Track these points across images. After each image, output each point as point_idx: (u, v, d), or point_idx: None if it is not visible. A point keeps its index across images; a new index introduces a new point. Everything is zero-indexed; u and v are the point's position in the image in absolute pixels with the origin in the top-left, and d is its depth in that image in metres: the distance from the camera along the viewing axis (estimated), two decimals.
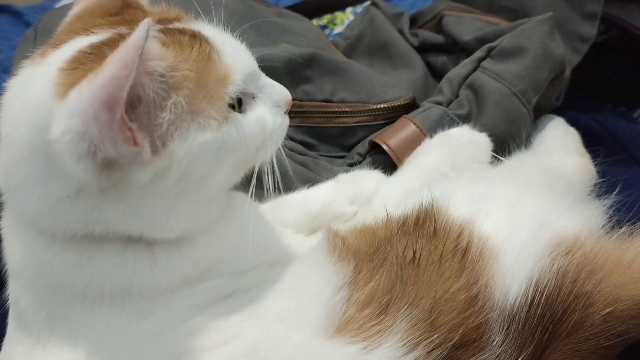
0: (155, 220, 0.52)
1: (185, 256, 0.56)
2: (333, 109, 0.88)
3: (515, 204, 0.62)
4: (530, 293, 0.54)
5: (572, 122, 0.91)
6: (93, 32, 0.51)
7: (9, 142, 0.50)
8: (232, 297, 0.58)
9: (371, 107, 0.88)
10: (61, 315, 0.54)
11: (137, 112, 0.45)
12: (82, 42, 0.50)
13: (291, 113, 0.87)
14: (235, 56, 0.53)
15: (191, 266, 0.56)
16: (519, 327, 0.53)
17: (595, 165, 0.82)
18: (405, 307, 0.53)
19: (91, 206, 0.49)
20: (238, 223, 0.59)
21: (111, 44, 0.48)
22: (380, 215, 0.64)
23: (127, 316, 0.54)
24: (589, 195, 0.71)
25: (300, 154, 0.84)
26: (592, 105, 1.04)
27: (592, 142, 0.86)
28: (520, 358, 0.52)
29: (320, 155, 0.87)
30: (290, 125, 0.85)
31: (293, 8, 1.25)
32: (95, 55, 0.48)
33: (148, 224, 0.52)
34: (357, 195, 0.76)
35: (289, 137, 0.85)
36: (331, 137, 0.88)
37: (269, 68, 0.84)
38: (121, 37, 0.49)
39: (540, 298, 0.53)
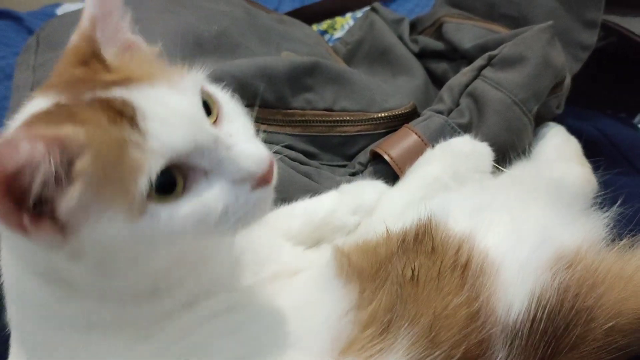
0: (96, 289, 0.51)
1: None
2: (334, 118, 0.88)
3: (517, 217, 0.63)
4: (532, 308, 0.54)
5: (572, 130, 0.91)
6: (46, 95, 0.49)
7: None
8: (233, 314, 0.58)
9: (372, 116, 0.89)
10: (59, 341, 0.54)
11: (36, 195, 0.43)
12: (30, 109, 0.49)
13: (293, 122, 0.88)
14: (161, 136, 0.45)
15: (185, 293, 0.55)
16: (522, 342, 0.53)
17: (596, 175, 0.82)
18: (406, 324, 0.53)
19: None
20: (232, 239, 0.59)
21: (42, 116, 0.46)
22: (381, 230, 0.64)
23: (124, 342, 0.54)
24: (590, 206, 0.71)
25: (302, 163, 0.84)
26: (592, 113, 1.04)
27: (592, 150, 0.87)
28: None
29: (322, 164, 0.87)
30: (292, 135, 0.86)
31: (293, 14, 1.25)
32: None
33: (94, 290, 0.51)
34: (360, 206, 0.76)
35: (291, 147, 0.85)
36: (333, 146, 0.89)
37: (271, 77, 0.85)
38: (57, 109, 0.47)
39: (543, 313, 0.54)
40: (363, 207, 0.75)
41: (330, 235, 0.74)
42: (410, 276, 0.57)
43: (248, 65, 0.85)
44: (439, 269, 0.57)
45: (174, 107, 0.47)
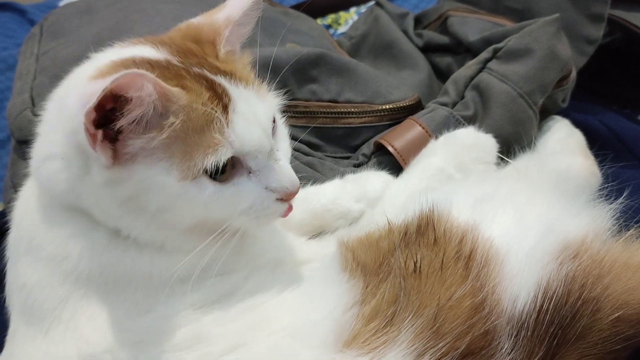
0: (111, 217, 0.56)
1: (174, 257, 0.57)
2: (339, 109, 0.88)
3: (522, 207, 0.62)
4: (539, 299, 0.54)
5: (577, 123, 0.90)
6: (157, 48, 0.57)
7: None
8: (233, 300, 0.58)
9: (376, 108, 0.88)
10: (64, 301, 0.56)
11: (119, 124, 0.50)
12: (140, 51, 0.56)
13: (298, 113, 0.87)
14: (240, 132, 0.54)
15: (184, 266, 0.57)
16: (528, 333, 0.53)
17: (601, 167, 0.81)
18: (410, 317, 0.53)
19: (81, 182, 0.54)
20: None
21: (155, 64, 0.54)
22: (383, 222, 0.64)
23: (125, 309, 0.56)
24: (595, 197, 0.70)
25: (305, 154, 0.84)
26: (596, 108, 1.04)
27: (597, 144, 0.86)
28: None
29: (326, 156, 0.87)
30: (296, 126, 0.86)
31: (297, 7, 1.25)
32: (136, 66, 0.53)
33: (109, 217, 0.56)
34: (363, 194, 0.75)
35: (295, 138, 0.85)
36: (337, 137, 0.88)
37: (276, 67, 0.85)
38: (167, 65, 0.54)
39: (549, 304, 0.53)
40: (367, 196, 0.75)
41: (333, 222, 0.74)
42: (413, 268, 0.56)
43: (253, 55, 0.84)
44: (442, 260, 0.56)
45: (258, 113, 0.56)
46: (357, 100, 0.88)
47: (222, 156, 0.52)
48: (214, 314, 0.57)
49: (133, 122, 0.50)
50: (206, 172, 0.52)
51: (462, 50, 1.02)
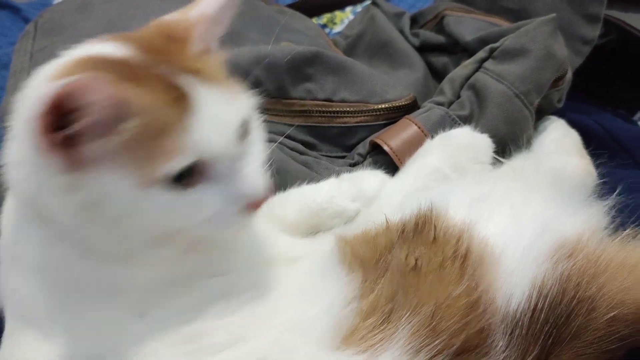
0: (73, 226, 0.53)
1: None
2: (334, 109, 0.87)
3: (518, 207, 0.62)
4: (533, 298, 0.53)
5: (572, 123, 0.90)
6: (123, 45, 0.53)
7: None
8: (229, 298, 0.57)
9: (372, 107, 0.88)
10: (60, 307, 0.55)
11: (73, 128, 0.47)
12: (104, 49, 0.53)
13: (293, 112, 0.87)
14: (203, 136, 0.50)
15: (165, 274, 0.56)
16: (523, 332, 0.53)
17: (597, 167, 0.81)
18: (407, 314, 0.53)
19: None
20: None
21: (116, 64, 0.51)
22: (380, 220, 0.63)
23: (122, 314, 0.55)
24: (591, 197, 0.70)
25: (300, 153, 0.84)
26: (592, 108, 1.04)
27: (593, 143, 0.86)
28: None
29: (322, 155, 0.87)
30: (291, 125, 0.86)
31: (293, 6, 1.25)
32: (95, 66, 0.50)
33: (70, 226, 0.53)
34: (359, 192, 0.75)
35: (291, 137, 0.85)
36: (332, 137, 0.88)
37: (271, 66, 0.84)
38: (130, 64, 0.51)
39: (544, 303, 0.53)
40: (363, 195, 0.75)
41: (329, 221, 0.74)
42: (413, 266, 0.56)
43: (248, 53, 0.84)
44: (442, 259, 0.56)
45: (225, 115, 0.52)
46: (352, 100, 0.88)
47: (182, 162, 0.49)
48: (212, 311, 0.56)
49: (87, 126, 0.47)
50: (167, 178, 0.49)
51: (458, 50, 1.02)
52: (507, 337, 0.53)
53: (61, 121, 0.46)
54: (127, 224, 0.51)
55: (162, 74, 0.51)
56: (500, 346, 0.52)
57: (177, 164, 0.49)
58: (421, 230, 0.59)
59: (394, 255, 0.58)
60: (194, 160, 0.50)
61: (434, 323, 0.52)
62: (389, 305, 0.54)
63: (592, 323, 0.54)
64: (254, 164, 0.56)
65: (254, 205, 0.54)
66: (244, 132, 0.55)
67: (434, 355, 0.51)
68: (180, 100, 0.50)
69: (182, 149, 0.49)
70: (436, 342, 0.51)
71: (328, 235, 0.69)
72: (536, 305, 0.53)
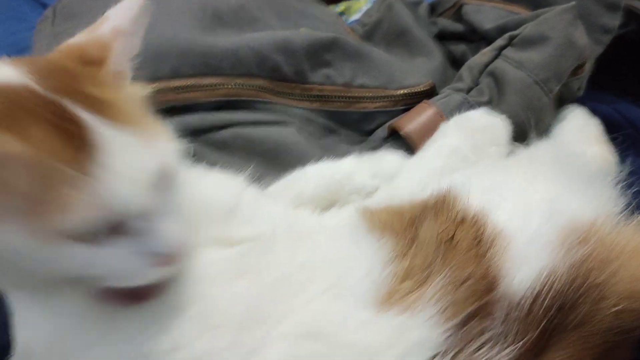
0: None
1: None
2: (353, 94, 0.87)
3: (532, 192, 0.62)
4: (541, 283, 0.53)
5: (593, 112, 0.90)
6: (20, 71, 0.47)
7: None
8: (255, 270, 0.56)
9: (391, 93, 0.88)
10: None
11: None
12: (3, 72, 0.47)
13: (312, 97, 0.87)
14: (108, 190, 0.44)
15: None
16: (523, 315, 0.53)
17: (616, 155, 0.81)
18: (441, 281, 0.54)
19: None
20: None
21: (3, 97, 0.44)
22: (400, 197, 0.64)
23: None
24: (610, 184, 0.70)
25: (320, 138, 0.84)
26: (612, 97, 1.03)
27: (613, 133, 0.86)
28: (526, 343, 0.52)
29: (341, 140, 0.87)
30: (310, 109, 0.86)
31: None
32: None
33: None
34: (379, 170, 0.75)
35: (310, 121, 0.85)
36: (351, 122, 0.88)
37: (289, 51, 0.84)
38: (21, 98, 0.44)
39: (552, 288, 0.53)
40: (382, 172, 0.75)
41: (347, 197, 0.73)
42: (449, 238, 0.57)
43: (267, 38, 0.84)
44: (473, 237, 0.57)
45: (136, 164, 0.46)
46: (371, 85, 0.88)
47: (84, 218, 0.43)
48: (241, 283, 0.55)
49: None
50: (72, 232, 0.44)
51: (477, 38, 1.02)
52: (510, 319, 0.53)
53: None
54: (37, 272, 0.47)
55: (64, 109, 0.44)
56: (502, 330, 0.53)
57: (79, 219, 0.43)
58: (447, 209, 0.60)
59: (426, 226, 0.58)
60: (99, 216, 0.44)
61: (457, 294, 0.53)
62: (426, 272, 0.55)
63: (598, 313, 0.53)
64: (171, 216, 0.49)
65: (167, 260, 0.49)
66: (163, 182, 0.48)
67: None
68: (81, 143, 0.43)
69: (85, 202, 0.43)
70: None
71: (347, 209, 0.70)
72: (543, 289, 0.53)
